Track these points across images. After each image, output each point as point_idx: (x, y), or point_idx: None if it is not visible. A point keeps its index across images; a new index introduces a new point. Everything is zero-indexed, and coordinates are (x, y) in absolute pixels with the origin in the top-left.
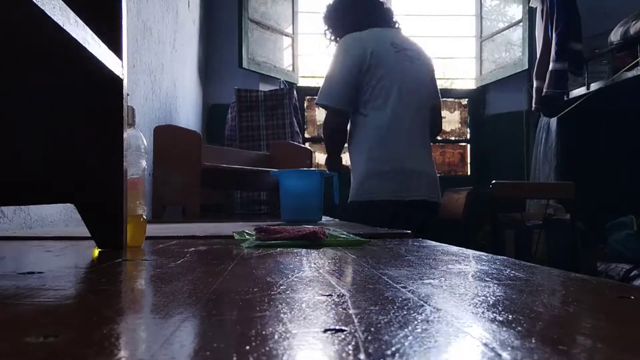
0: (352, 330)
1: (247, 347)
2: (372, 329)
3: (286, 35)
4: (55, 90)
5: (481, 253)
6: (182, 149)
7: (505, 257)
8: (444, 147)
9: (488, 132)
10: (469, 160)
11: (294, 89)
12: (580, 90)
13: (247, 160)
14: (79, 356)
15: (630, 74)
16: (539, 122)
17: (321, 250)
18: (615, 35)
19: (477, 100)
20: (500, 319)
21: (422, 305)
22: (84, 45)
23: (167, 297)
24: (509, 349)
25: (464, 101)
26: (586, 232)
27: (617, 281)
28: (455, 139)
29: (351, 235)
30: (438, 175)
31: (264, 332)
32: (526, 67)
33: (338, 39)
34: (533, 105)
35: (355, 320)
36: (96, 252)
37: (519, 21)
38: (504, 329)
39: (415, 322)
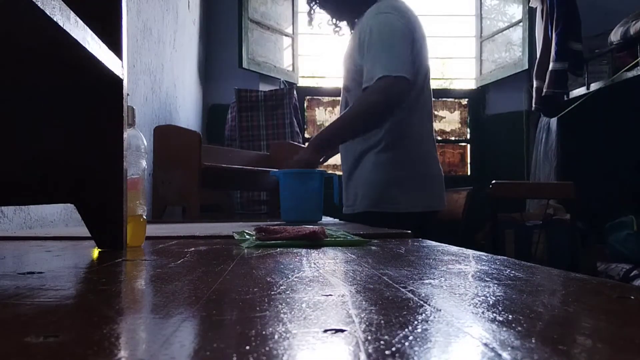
0: (352, 331)
1: (247, 347)
2: (372, 329)
3: (286, 35)
4: (55, 90)
5: (481, 253)
6: (182, 149)
7: (505, 257)
8: (444, 147)
9: (488, 132)
10: (468, 160)
11: (294, 89)
12: (580, 90)
13: (247, 160)
14: (79, 356)
15: (630, 74)
16: (539, 122)
17: (321, 250)
18: (615, 35)
19: (477, 100)
20: (500, 319)
21: (422, 305)
22: (84, 45)
23: (167, 297)
24: (509, 349)
25: (464, 101)
26: (586, 232)
27: (617, 281)
28: (455, 139)
29: (351, 235)
30: None
31: (264, 332)
32: (526, 67)
33: (345, 22)
34: (533, 105)
35: (356, 320)
36: (96, 252)
37: (519, 21)
38: (504, 329)
39: (416, 322)
